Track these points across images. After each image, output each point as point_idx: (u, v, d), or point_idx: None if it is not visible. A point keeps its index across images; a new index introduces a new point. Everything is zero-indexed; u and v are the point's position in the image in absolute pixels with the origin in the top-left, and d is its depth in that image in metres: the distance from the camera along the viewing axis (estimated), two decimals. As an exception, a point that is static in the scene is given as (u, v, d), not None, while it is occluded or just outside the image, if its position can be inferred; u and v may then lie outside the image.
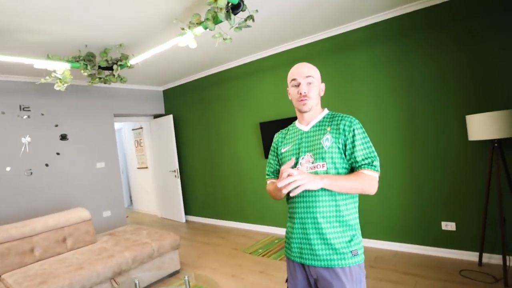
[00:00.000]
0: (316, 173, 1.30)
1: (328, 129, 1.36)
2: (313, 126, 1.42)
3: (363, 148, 1.31)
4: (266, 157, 4.34)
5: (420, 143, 3.18)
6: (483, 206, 2.78)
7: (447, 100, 3.01)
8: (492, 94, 2.77)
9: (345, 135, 1.32)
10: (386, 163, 3.39)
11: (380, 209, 3.49)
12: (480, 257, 2.83)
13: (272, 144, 1.60)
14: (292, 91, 1.43)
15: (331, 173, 1.29)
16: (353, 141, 1.31)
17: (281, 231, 4.37)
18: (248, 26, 2.56)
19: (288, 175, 1.16)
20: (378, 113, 3.42)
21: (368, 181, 1.28)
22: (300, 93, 1.37)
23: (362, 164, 1.30)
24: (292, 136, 1.48)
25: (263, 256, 3.66)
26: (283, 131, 1.58)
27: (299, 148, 1.41)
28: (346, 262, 1.27)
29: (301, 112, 1.43)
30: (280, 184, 1.15)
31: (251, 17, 2.50)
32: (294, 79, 1.40)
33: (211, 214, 5.47)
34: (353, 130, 1.32)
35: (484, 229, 2.74)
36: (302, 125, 1.47)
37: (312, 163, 1.33)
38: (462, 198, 2.99)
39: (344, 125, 1.34)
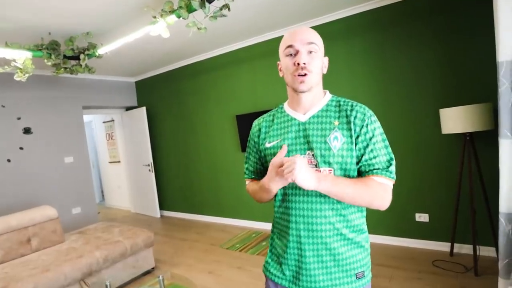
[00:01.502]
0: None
1: (336, 123, 1.04)
2: (313, 116, 1.08)
3: (381, 147, 1.04)
4: (243, 150, 4.27)
5: (394, 135, 3.20)
6: (455, 197, 2.85)
7: (422, 93, 3.05)
8: (466, 88, 2.82)
9: (355, 131, 1.03)
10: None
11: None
12: (452, 247, 2.92)
13: (250, 135, 1.24)
14: (285, 63, 1.05)
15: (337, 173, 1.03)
16: (368, 139, 1.03)
17: (258, 225, 4.35)
18: (224, 16, 2.46)
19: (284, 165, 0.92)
20: (358, 100, 3.41)
21: (381, 192, 1.01)
22: (298, 64, 1.01)
23: (375, 169, 1.02)
24: (281, 126, 1.12)
25: (240, 251, 3.62)
26: (266, 117, 1.21)
27: (294, 144, 1.06)
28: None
29: (297, 92, 1.05)
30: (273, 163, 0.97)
31: (226, 6, 2.40)
32: (290, 46, 1.03)
33: (187, 208, 5.36)
34: (367, 126, 1.03)
35: (455, 220, 2.83)
36: (297, 113, 1.11)
37: (316, 166, 1.02)
38: (436, 190, 3.06)
39: (355, 117, 1.04)
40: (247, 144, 1.27)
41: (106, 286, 2.27)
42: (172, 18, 2.47)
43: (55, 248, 3.05)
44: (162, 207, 5.75)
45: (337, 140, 1.02)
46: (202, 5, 2.31)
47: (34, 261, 2.75)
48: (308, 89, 1.04)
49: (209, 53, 4.55)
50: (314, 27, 3.54)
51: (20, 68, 2.86)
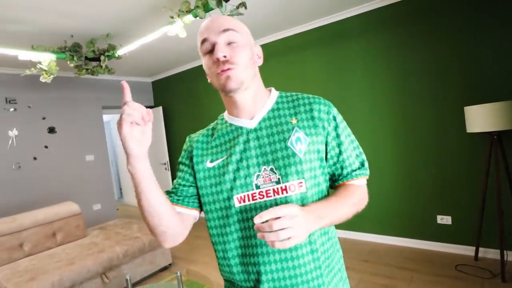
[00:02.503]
0: (287, 200, 0.79)
1: (294, 121, 0.84)
2: (264, 119, 0.86)
3: (350, 142, 0.89)
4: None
5: (415, 134, 3.15)
6: (480, 199, 2.72)
7: (444, 91, 2.96)
8: (492, 85, 2.72)
9: (324, 127, 0.84)
10: (380, 155, 3.38)
11: (373, 201, 3.43)
12: (477, 252, 2.80)
13: (182, 153, 0.96)
14: (206, 63, 0.85)
15: (311, 197, 0.81)
16: (337, 137, 0.86)
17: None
18: (240, 14, 2.50)
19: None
20: (372, 103, 3.39)
21: (363, 195, 0.89)
22: (217, 59, 0.79)
23: (353, 171, 0.87)
24: (225, 139, 0.88)
25: (255, 248, 3.65)
26: (204, 132, 0.95)
27: (244, 159, 0.83)
28: None
29: (227, 93, 0.82)
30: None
31: (243, 4, 2.44)
32: (204, 40, 0.82)
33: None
34: (335, 119, 0.86)
35: (481, 223, 2.70)
36: (242, 119, 0.87)
37: (277, 182, 0.80)
38: (459, 192, 2.96)
39: (319, 111, 0.85)
40: (178, 163, 0.97)
41: (127, 280, 2.35)
42: (189, 17, 2.53)
43: (78, 243, 3.18)
44: (179, 204, 5.85)
45: (301, 142, 0.82)
46: (219, 4, 2.35)
47: (59, 254, 2.87)
48: (239, 86, 0.81)
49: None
50: (331, 24, 3.57)
51: (45, 70, 3.00)
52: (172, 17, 2.55)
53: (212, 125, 0.96)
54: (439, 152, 3.04)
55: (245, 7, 2.43)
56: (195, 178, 0.90)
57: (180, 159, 0.96)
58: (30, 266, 2.67)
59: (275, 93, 0.91)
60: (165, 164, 5.66)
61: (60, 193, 4.47)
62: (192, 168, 0.90)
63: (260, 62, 0.89)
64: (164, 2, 2.70)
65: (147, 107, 5.01)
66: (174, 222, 0.82)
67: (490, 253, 2.84)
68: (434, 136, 3.06)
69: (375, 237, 3.52)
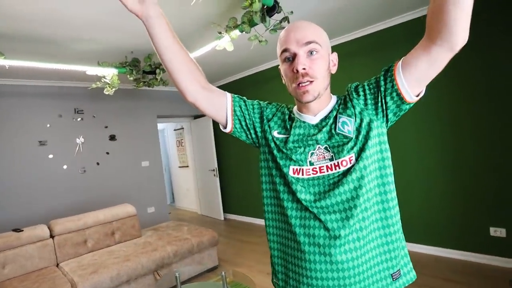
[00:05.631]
0: (340, 174, 0.88)
1: (336, 114, 0.94)
2: (325, 118, 0.95)
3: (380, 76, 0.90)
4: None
5: (466, 141, 3.00)
6: None
7: (499, 94, 2.79)
8: None
9: (356, 101, 0.92)
10: (429, 163, 3.25)
11: (421, 211, 3.34)
12: None
13: (263, 104, 1.08)
14: (284, 70, 0.93)
15: (362, 169, 0.87)
16: (368, 87, 0.91)
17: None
18: (283, 28, 2.59)
19: None
20: (422, 110, 3.25)
21: None
22: (297, 71, 0.86)
23: (392, 65, 0.87)
24: (291, 124, 1.00)
25: (299, 255, 3.66)
26: (284, 111, 1.06)
27: (301, 141, 0.94)
28: None
29: (302, 103, 0.94)
30: None
31: (286, 19, 2.53)
32: (285, 50, 0.89)
33: (249, 212, 5.56)
34: (355, 89, 0.95)
35: None
36: (308, 115, 0.97)
37: (330, 159, 0.89)
38: (514, 202, 2.78)
39: (347, 94, 0.97)
40: (253, 100, 1.09)
41: (176, 277, 2.50)
42: (236, 32, 2.67)
43: (133, 242, 3.44)
44: (225, 210, 6.05)
45: (347, 124, 0.90)
46: (263, 19, 2.46)
47: (117, 251, 3.14)
48: (315, 98, 0.90)
49: (270, 63, 4.74)
50: (373, 34, 3.53)
51: (109, 83, 3.33)
52: (220, 33, 2.71)
53: (285, 110, 1.06)
54: (492, 160, 2.86)
55: (288, 21, 2.51)
56: (254, 128, 1.04)
57: (263, 103, 1.08)
58: (92, 260, 2.96)
59: (334, 98, 1.00)
60: (214, 170, 5.88)
61: (118, 195, 4.86)
62: (261, 117, 1.04)
63: (334, 69, 0.97)
64: (213, 19, 2.88)
65: (197, 116, 5.27)
66: (188, 63, 0.92)
67: (551, 270, 2.60)
68: (484, 143, 2.89)
69: (423, 248, 3.37)
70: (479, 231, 2.99)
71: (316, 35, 0.89)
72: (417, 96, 0.86)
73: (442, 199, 3.21)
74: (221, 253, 4.00)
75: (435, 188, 3.23)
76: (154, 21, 0.83)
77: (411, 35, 3.27)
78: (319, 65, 0.88)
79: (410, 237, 3.39)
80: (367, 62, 3.63)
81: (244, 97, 1.08)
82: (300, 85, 0.87)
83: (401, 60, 0.85)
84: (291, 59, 0.89)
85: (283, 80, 0.98)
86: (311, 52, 0.87)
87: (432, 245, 3.30)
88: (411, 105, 0.88)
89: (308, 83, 0.87)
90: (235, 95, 1.05)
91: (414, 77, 0.82)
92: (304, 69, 0.86)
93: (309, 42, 0.87)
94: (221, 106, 1.01)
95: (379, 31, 3.52)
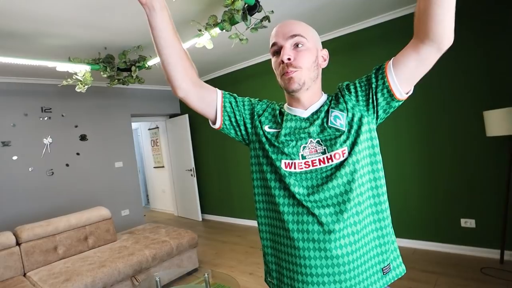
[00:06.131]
0: (333, 167, 0.88)
1: (327, 109, 0.96)
2: (316, 112, 0.96)
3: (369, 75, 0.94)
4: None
5: (436, 138, 3.14)
6: (503, 202, 2.72)
7: (463, 95, 2.96)
8: (510, 89, 2.71)
9: (348, 97, 0.94)
10: (403, 159, 3.37)
11: (397, 205, 3.44)
12: (502, 255, 2.78)
13: (253, 100, 1.08)
14: (274, 63, 0.97)
15: (355, 162, 0.87)
16: (359, 83, 0.94)
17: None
18: (264, 27, 2.56)
19: None
20: (399, 109, 3.34)
21: None
22: (282, 61, 0.90)
23: (383, 65, 0.90)
24: (282, 118, 1.01)
25: (280, 255, 3.66)
26: (275, 107, 1.07)
27: (293, 134, 0.94)
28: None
29: (289, 92, 0.95)
30: None
31: (267, 18, 2.50)
32: (274, 44, 0.93)
33: (227, 212, 5.50)
34: (346, 86, 0.97)
35: (505, 226, 2.70)
36: (298, 109, 0.99)
37: (323, 153, 0.89)
38: (482, 195, 2.94)
39: (339, 91, 0.99)
40: (244, 97, 1.09)
41: (156, 281, 2.42)
42: (216, 30, 2.61)
43: (108, 246, 3.29)
44: (203, 210, 5.95)
45: (339, 118, 0.91)
46: (244, 18, 2.42)
47: (91, 257, 2.99)
48: (300, 86, 0.92)
49: (249, 61, 4.69)
50: (352, 33, 3.59)
51: (81, 81, 3.16)
52: (200, 30, 2.64)
53: (276, 106, 1.07)
54: (461, 156, 3.02)
55: (269, 20, 2.49)
56: (244, 124, 1.04)
57: (254, 99, 1.08)
58: (65, 268, 2.79)
59: (325, 95, 1.02)
60: (191, 170, 5.77)
61: (90, 198, 4.65)
62: (252, 113, 1.04)
63: (324, 64, 0.99)
64: (193, 16, 2.80)
65: (173, 115, 5.18)
66: (182, 57, 0.91)
67: (516, 256, 2.79)
68: (455, 140, 3.05)
69: (399, 241, 3.45)
70: (451, 223, 3.14)
71: (303, 29, 0.92)
72: (407, 93, 0.90)
73: (416, 194, 3.33)
74: (201, 255, 3.92)
75: (410, 184, 3.35)
76: (157, 12, 0.84)
77: (386, 36, 3.37)
78: (304, 57, 0.90)
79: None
80: (344, 61, 3.68)
81: (235, 94, 1.07)
82: (286, 74, 0.90)
83: (392, 59, 0.89)
84: (278, 51, 0.93)
85: (277, 78, 1.00)
86: (297, 45, 0.90)
87: (409, 238, 3.42)
88: (400, 102, 0.92)
89: (292, 71, 0.90)
90: (226, 92, 1.05)
91: (404, 75, 0.87)
92: (289, 59, 0.89)
93: (295, 35, 0.90)
94: (211, 102, 1.01)
95: (356, 32, 3.58)
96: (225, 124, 1.03)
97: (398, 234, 3.44)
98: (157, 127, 6.82)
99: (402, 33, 3.25)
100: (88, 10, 2.47)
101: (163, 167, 6.87)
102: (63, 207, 4.33)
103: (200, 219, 5.81)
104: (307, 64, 0.91)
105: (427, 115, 3.18)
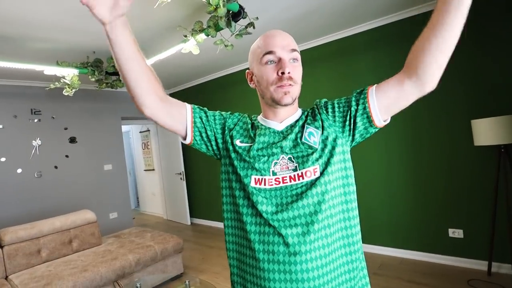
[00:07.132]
0: (303, 185, 0.87)
1: (302, 124, 0.96)
2: (289, 126, 0.97)
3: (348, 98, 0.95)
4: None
5: (424, 148, 3.15)
6: (491, 212, 2.72)
7: (451, 105, 2.98)
8: (498, 98, 2.73)
9: (325, 115, 0.95)
10: (390, 169, 3.38)
11: (385, 214, 3.46)
12: (489, 266, 2.75)
13: (225, 114, 1.05)
14: (265, 73, 0.91)
15: (326, 183, 0.87)
16: (338, 104, 0.95)
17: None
18: (249, 33, 2.59)
19: None
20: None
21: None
22: (282, 73, 0.88)
23: (365, 89, 0.93)
24: (255, 132, 0.99)
25: (265, 260, 3.66)
26: (246, 120, 1.04)
27: (266, 148, 0.93)
28: None
29: (279, 105, 0.92)
30: None
31: (251, 24, 2.53)
32: (270, 52, 0.90)
33: (217, 217, 5.50)
34: (325, 104, 0.98)
35: (492, 237, 2.67)
36: (274, 121, 0.98)
37: (294, 170, 0.88)
38: (470, 205, 2.93)
39: (316, 107, 0.98)
40: (216, 111, 1.06)
41: (137, 287, 2.42)
42: (202, 36, 2.63)
43: (93, 250, 3.29)
44: (192, 214, 5.94)
45: (314, 135, 0.91)
46: (228, 24, 2.44)
47: (74, 261, 2.98)
48: (292, 102, 0.92)
49: (237, 66, 4.73)
50: (339, 40, 3.63)
51: (68, 84, 3.17)
52: (185, 36, 2.66)
53: (247, 119, 1.05)
54: (449, 165, 3.03)
55: (254, 27, 2.52)
56: (215, 139, 1.01)
57: (225, 113, 1.05)
58: (47, 272, 2.78)
59: (300, 110, 1.01)
60: (180, 174, 5.77)
61: (78, 201, 4.63)
62: (223, 128, 1.01)
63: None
64: (179, 22, 2.82)
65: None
66: (148, 76, 0.87)
67: (504, 268, 2.78)
68: (443, 149, 3.05)
69: (386, 250, 3.49)
70: (439, 233, 3.13)
71: (296, 45, 0.94)
72: (384, 121, 0.91)
73: (404, 203, 3.33)
74: (187, 260, 3.91)
75: (397, 194, 3.36)
76: (118, 29, 0.78)
77: (371, 43, 3.41)
78: (299, 73, 0.93)
79: (376, 240, 3.53)
80: (329, 67, 3.73)
81: (205, 108, 1.05)
82: (283, 86, 0.89)
83: (374, 86, 0.91)
84: (275, 62, 0.91)
85: (251, 84, 1.01)
86: (293, 60, 0.91)
87: (396, 247, 3.41)
88: (377, 129, 0.93)
89: (291, 86, 0.90)
90: (195, 106, 1.01)
91: (384, 104, 0.88)
92: (289, 72, 0.88)
93: (294, 50, 0.91)
94: (180, 118, 0.97)
95: (341, 39, 3.62)
96: (196, 140, 1.00)
97: (386, 243, 3.48)
98: (148, 130, 6.82)
99: (388, 40, 3.30)
100: (75, 15, 2.49)
101: (153, 170, 6.86)
102: (51, 209, 4.31)
103: (189, 223, 5.81)
104: (299, 80, 0.93)
105: (415, 125, 3.19)
